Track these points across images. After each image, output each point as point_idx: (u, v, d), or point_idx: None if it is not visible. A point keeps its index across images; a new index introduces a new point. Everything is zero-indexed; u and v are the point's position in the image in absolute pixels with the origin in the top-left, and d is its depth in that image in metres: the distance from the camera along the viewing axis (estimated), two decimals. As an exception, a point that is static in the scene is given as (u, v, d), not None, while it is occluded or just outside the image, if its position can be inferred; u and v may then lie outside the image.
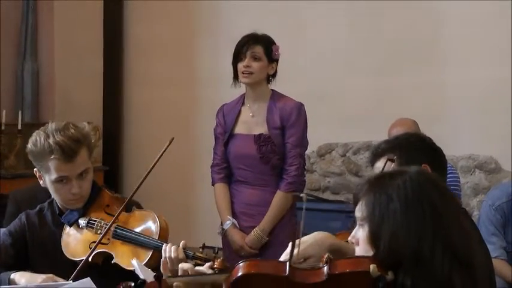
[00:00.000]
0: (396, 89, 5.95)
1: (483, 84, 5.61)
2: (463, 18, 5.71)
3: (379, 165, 2.80)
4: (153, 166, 3.00)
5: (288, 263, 1.93)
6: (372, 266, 1.84)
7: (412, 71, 5.90)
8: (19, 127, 6.47)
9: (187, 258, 2.82)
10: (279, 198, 4.25)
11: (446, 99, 5.80)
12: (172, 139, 3.01)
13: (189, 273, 2.29)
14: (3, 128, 6.47)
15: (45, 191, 4.14)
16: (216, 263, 2.81)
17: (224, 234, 4.32)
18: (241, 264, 1.96)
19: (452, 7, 5.74)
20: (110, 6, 7.19)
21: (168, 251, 2.80)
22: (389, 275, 1.85)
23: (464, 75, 5.70)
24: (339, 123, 6.12)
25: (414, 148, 2.79)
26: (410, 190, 1.93)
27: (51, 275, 2.80)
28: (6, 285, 2.81)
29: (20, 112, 6.68)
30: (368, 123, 5.94)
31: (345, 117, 6.10)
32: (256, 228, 4.24)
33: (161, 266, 2.82)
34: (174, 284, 2.19)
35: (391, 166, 2.76)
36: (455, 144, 5.44)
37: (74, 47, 7.27)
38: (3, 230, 3.17)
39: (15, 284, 2.81)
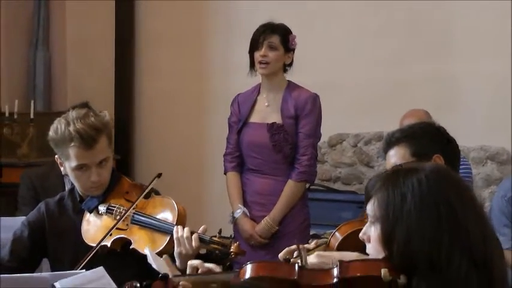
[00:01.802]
0: (408, 80, 5.93)
1: (495, 75, 5.59)
2: (475, 9, 5.68)
3: (392, 153, 2.80)
4: (140, 196, 3.01)
5: (296, 265, 1.90)
6: (383, 271, 1.77)
7: (424, 61, 5.89)
8: (31, 116, 6.48)
9: (203, 243, 2.84)
10: (289, 188, 4.27)
11: (458, 90, 5.79)
12: (159, 174, 3.02)
13: (199, 269, 2.26)
14: (15, 117, 6.49)
15: (56, 172, 4.22)
16: (232, 247, 2.83)
17: (235, 222, 4.34)
18: (248, 265, 1.93)
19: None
20: (122, -5, 7.19)
21: (180, 230, 2.82)
22: (402, 279, 1.78)
23: (476, 66, 5.68)
24: (350, 113, 6.11)
25: (428, 138, 2.78)
26: (426, 189, 1.81)
27: None
28: None
29: (32, 101, 6.69)
30: (379, 114, 5.93)
31: (357, 108, 6.09)
32: (267, 217, 4.25)
33: (175, 249, 2.84)
34: (181, 283, 2.17)
35: (403, 154, 2.76)
36: (467, 135, 5.42)
37: (86, 36, 7.27)
38: (22, 219, 3.20)
39: None
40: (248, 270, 1.92)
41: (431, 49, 5.88)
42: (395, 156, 2.80)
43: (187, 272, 2.30)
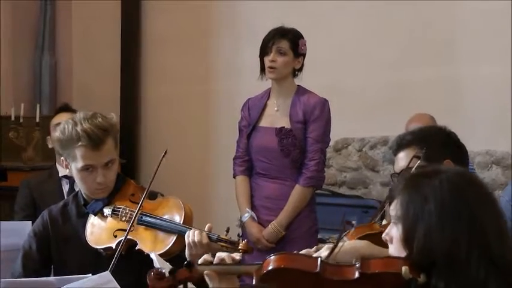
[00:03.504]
0: (413, 84, 5.93)
1: (500, 80, 5.59)
2: (480, 12, 5.68)
3: (402, 156, 2.80)
4: (152, 180, 2.99)
5: (319, 258, 1.93)
6: (404, 268, 1.81)
7: (429, 66, 5.89)
8: (37, 120, 6.50)
9: (211, 241, 2.85)
10: (297, 193, 4.27)
11: (463, 94, 5.78)
12: (166, 151, 3.02)
13: (226, 261, 2.26)
14: (21, 120, 6.51)
15: (54, 178, 4.24)
16: (240, 244, 2.84)
17: (242, 226, 4.34)
18: (272, 257, 1.96)
19: (468, 2, 5.72)
20: (127, -1, 7.21)
21: (192, 235, 2.83)
22: (422, 278, 1.82)
23: (481, 70, 5.68)
24: (355, 117, 6.11)
25: (438, 143, 2.77)
26: (446, 191, 1.87)
27: None
28: None
29: (38, 105, 6.71)
30: (385, 118, 5.93)
31: (362, 112, 6.09)
32: (274, 221, 4.25)
33: (186, 251, 2.84)
34: (205, 272, 2.17)
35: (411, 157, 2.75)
36: (472, 139, 5.38)
37: (91, 41, 7.30)
38: (25, 223, 3.21)
39: None
40: (271, 262, 1.95)
41: (437, 53, 5.88)
42: (406, 159, 2.79)
43: (215, 262, 2.29)
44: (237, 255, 2.33)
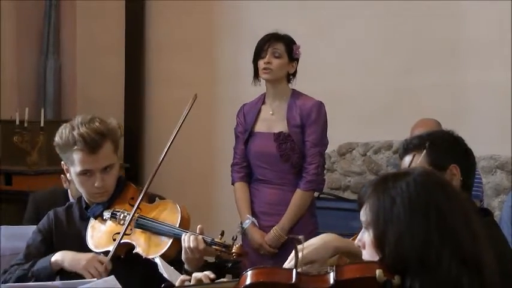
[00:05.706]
0: (417, 89, 5.94)
1: (504, 85, 5.59)
2: (483, 19, 5.69)
3: (408, 160, 2.77)
4: (179, 128, 3.00)
5: (294, 270, 1.93)
6: (378, 272, 1.82)
7: (434, 71, 5.89)
8: (41, 124, 6.52)
9: (206, 244, 2.85)
10: (298, 197, 4.26)
11: (468, 99, 5.78)
12: (196, 96, 3.02)
13: (203, 281, 2.27)
14: (26, 125, 6.53)
15: (64, 194, 4.23)
16: (234, 248, 2.83)
17: (244, 233, 4.34)
18: (248, 272, 1.96)
19: (473, 8, 5.72)
20: (131, 4, 7.22)
21: (187, 240, 2.83)
22: (396, 280, 1.83)
23: (485, 75, 5.68)
24: (359, 122, 6.12)
25: (446, 147, 2.74)
26: (414, 193, 1.86)
27: (95, 255, 2.89)
28: (48, 270, 2.89)
29: (42, 109, 6.74)
30: (389, 123, 5.94)
31: (366, 117, 6.10)
32: (276, 226, 4.24)
33: (183, 255, 2.85)
34: None
35: (420, 162, 2.73)
36: (476, 144, 5.32)
37: (95, 45, 7.31)
38: (29, 227, 3.22)
39: (58, 265, 2.90)
40: (248, 277, 1.95)
41: (440, 58, 5.89)
42: (412, 163, 2.77)
43: (192, 283, 2.30)
44: (211, 274, 2.33)
